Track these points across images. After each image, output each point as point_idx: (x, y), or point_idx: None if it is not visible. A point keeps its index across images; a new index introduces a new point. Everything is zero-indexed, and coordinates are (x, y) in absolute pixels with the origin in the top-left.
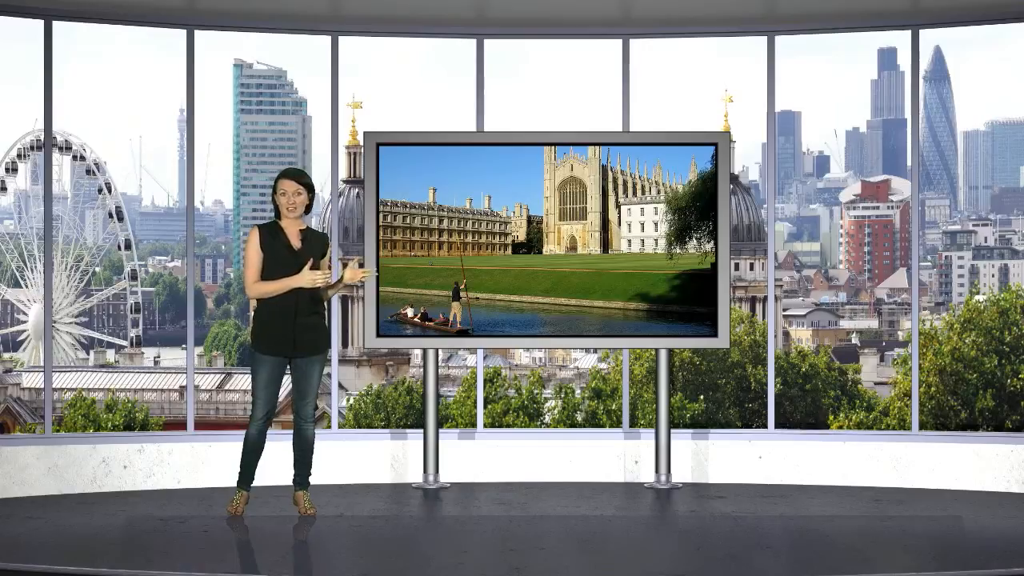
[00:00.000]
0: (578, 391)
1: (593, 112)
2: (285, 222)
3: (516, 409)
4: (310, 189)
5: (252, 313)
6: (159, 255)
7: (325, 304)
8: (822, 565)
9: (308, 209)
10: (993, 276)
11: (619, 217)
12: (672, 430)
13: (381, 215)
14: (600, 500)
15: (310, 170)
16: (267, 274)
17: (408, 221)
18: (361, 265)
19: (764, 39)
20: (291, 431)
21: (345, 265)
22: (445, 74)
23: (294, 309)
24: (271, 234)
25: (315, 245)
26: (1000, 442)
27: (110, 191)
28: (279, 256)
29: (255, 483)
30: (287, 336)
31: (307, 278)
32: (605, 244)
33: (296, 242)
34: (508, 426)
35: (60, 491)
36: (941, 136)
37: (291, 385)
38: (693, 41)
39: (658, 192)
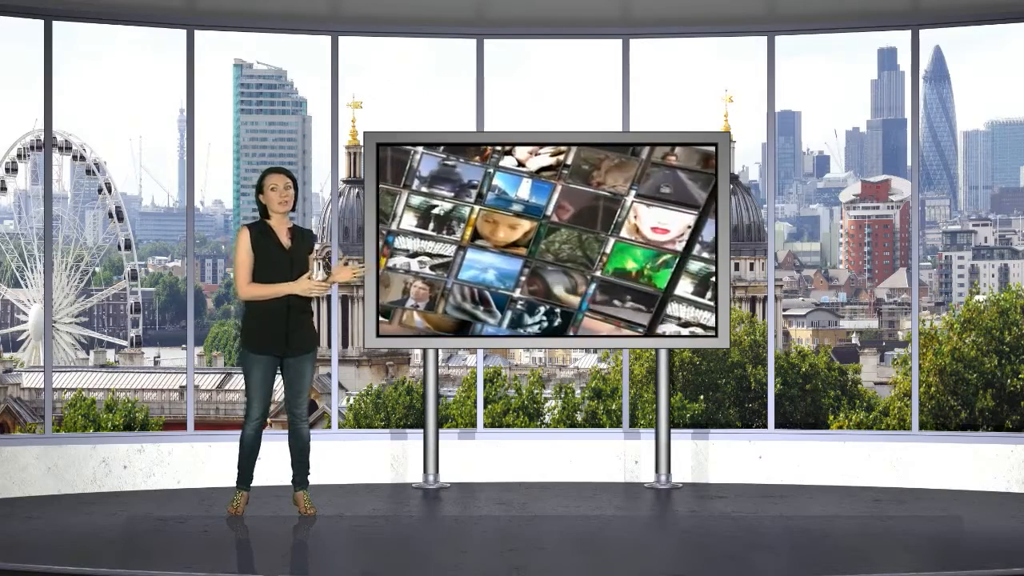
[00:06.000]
0: (578, 391)
1: (593, 112)
2: (274, 219)
3: (516, 409)
4: (296, 186)
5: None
6: (159, 255)
7: (312, 302)
8: (822, 565)
9: (293, 207)
10: (993, 276)
11: None
12: (672, 430)
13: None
14: (600, 500)
15: (310, 170)
16: (259, 274)
17: None
18: (353, 263)
19: (764, 39)
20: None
21: (346, 264)
22: (445, 74)
23: (286, 308)
24: (262, 233)
25: (304, 243)
26: (1000, 442)
27: (110, 191)
28: (271, 255)
29: (255, 483)
30: (280, 335)
31: (303, 286)
32: None
33: (286, 240)
34: (508, 426)
35: (60, 491)
36: (941, 136)
37: (283, 385)
38: (693, 41)
39: None
